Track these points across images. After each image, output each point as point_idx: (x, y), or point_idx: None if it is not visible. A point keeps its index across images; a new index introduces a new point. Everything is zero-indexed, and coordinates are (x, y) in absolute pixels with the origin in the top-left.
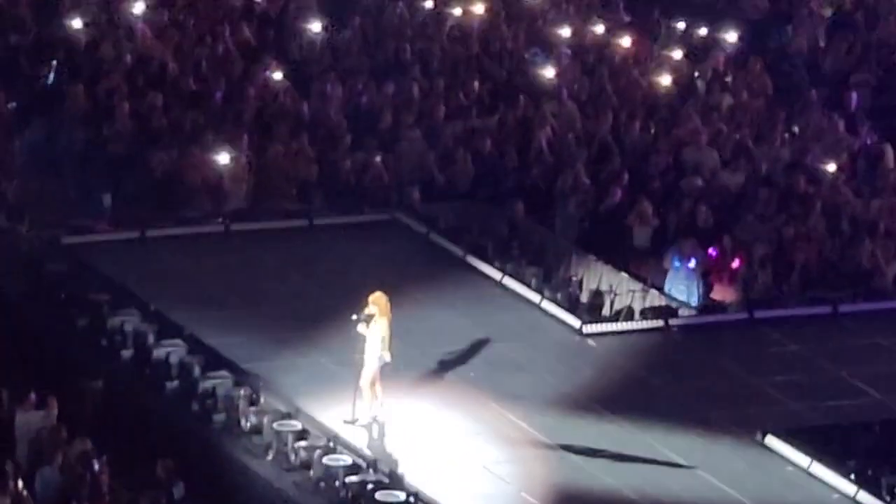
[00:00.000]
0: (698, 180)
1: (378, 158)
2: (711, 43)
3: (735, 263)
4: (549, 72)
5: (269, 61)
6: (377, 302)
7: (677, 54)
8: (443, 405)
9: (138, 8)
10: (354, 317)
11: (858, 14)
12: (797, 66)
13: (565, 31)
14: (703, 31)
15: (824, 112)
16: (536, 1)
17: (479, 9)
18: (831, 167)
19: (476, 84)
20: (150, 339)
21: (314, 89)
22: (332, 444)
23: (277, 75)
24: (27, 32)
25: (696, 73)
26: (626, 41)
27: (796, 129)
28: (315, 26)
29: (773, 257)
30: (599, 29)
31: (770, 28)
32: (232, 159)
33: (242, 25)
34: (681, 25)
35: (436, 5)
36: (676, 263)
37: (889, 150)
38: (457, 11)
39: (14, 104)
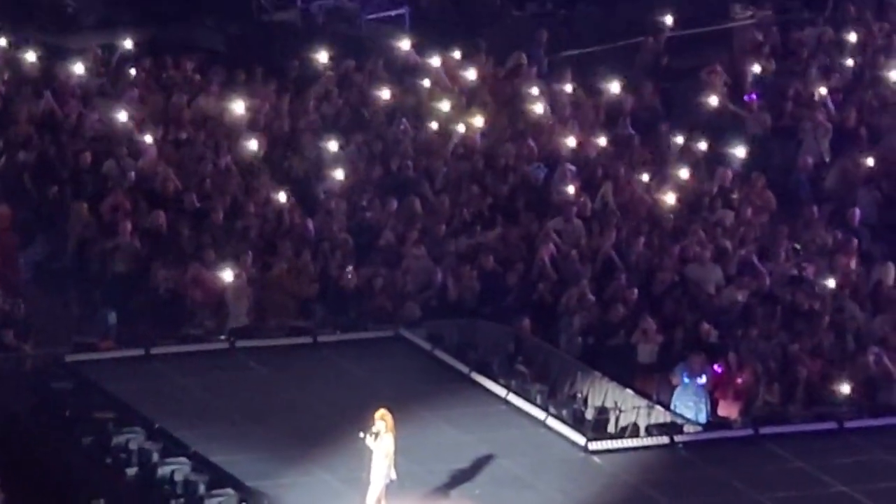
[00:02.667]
0: (703, 297)
1: (382, 275)
2: (717, 158)
3: (740, 380)
4: (554, 188)
5: (271, 180)
6: (383, 418)
7: (682, 170)
8: None
9: (145, 128)
10: (362, 434)
11: (861, 129)
12: (802, 181)
13: (569, 144)
14: (707, 147)
15: (828, 229)
16: (541, 116)
17: (481, 123)
18: (834, 283)
19: (480, 200)
20: (155, 456)
21: (319, 206)
22: None
23: (282, 197)
24: (33, 149)
25: (702, 190)
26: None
27: (798, 245)
28: (321, 143)
29: (778, 373)
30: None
31: (774, 143)
32: (235, 276)
33: (246, 142)
34: (685, 141)
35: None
36: (686, 379)
37: (892, 267)
38: (460, 128)
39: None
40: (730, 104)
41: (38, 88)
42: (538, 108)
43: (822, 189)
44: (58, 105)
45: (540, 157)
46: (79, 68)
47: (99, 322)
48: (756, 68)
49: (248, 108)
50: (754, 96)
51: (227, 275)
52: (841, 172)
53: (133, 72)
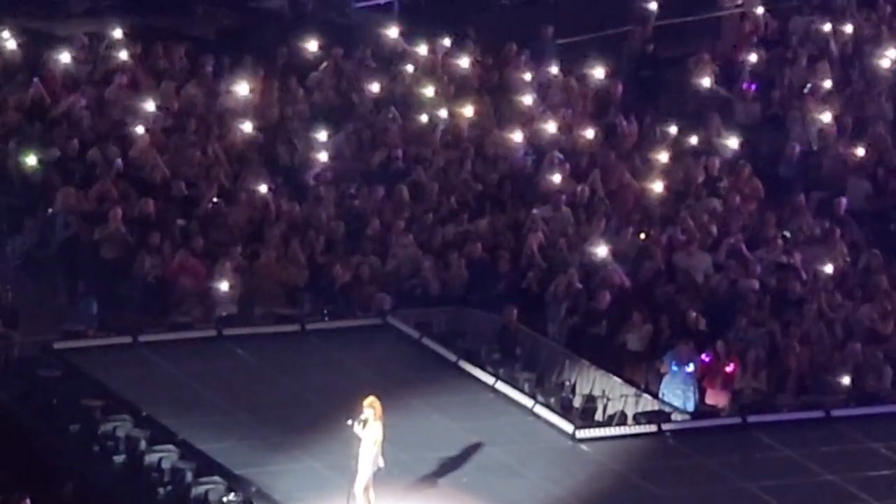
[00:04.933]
0: (691, 285)
1: (369, 263)
2: (705, 148)
3: (729, 368)
4: (542, 176)
5: (259, 168)
6: (372, 406)
7: (670, 159)
8: None
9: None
10: (350, 421)
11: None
12: (791, 170)
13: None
14: (695, 137)
15: (815, 217)
16: (529, 104)
17: (470, 112)
18: (822, 271)
19: (467, 188)
20: (143, 444)
21: (307, 193)
22: None
23: (263, 188)
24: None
25: (690, 178)
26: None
27: (787, 233)
28: (314, 133)
29: (766, 362)
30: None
31: (763, 132)
32: (223, 264)
33: (236, 131)
34: (673, 130)
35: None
36: (674, 368)
37: (879, 254)
38: (448, 116)
39: None
40: (720, 91)
41: (26, 76)
42: (527, 97)
43: (810, 177)
44: (46, 93)
45: (528, 145)
46: (66, 56)
47: (86, 309)
48: (751, 57)
49: (237, 96)
50: (753, 86)
51: (216, 262)
52: (831, 161)
53: (122, 58)
